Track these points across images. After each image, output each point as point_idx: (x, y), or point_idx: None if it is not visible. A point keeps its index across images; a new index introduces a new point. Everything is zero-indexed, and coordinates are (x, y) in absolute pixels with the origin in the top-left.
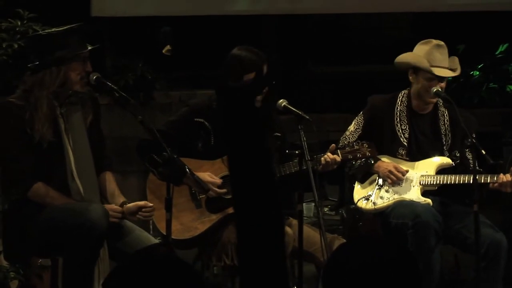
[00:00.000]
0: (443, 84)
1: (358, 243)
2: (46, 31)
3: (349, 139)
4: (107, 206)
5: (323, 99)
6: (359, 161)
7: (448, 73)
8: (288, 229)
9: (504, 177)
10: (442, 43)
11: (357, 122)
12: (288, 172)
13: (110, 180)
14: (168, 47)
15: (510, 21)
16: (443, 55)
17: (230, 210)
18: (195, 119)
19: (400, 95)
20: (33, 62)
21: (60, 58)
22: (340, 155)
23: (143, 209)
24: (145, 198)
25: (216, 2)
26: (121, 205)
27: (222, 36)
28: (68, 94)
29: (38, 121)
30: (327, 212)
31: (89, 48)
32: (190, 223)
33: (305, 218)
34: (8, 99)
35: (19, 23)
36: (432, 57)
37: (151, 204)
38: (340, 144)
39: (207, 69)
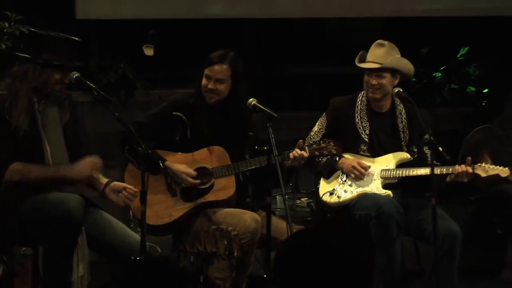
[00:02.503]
0: (380, 80)
1: (310, 232)
2: (45, 31)
3: (313, 138)
4: (87, 160)
5: (294, 98)
6: (324, 159)
7: (369, 65)
8: (257, 217)
9: (459, 168)
10: (384, 42)
11: (321, 123)
12: (257, 166)
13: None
14: (150, 47)
15: (470, 26)
16: (376, 51)
17: (203, 200)
18: (174, 113)
19: (360, 95)
20: (24, 53)
21: (48, 61)
22: (307, 151)
23: (128, 189)
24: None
25: (192, 6)
26: (107, 183)
27: (201, 38)
28: (47, 92)
29: (15, 110)
30: (299, 204)
31: (76, 64)
32: (164, 211)
33: (278, 209)
34: None
35: (6, 25)
36: (369, 54)
37: (136, 189)
38: (306, 143)
39: (185, 70)
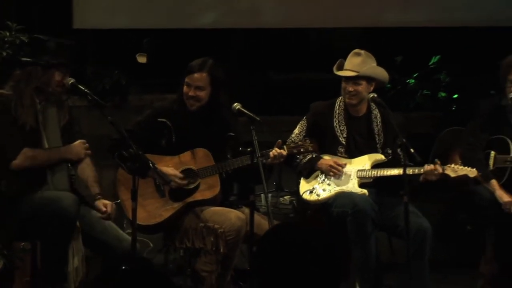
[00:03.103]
0: (356, 87)
1: (286, 227)
2: (45, 37)
3: (294, 140)
4: (78, 143)
5: (279, 103)
6: (305, 159)
7: (346, 73)
8: (241, 215)
9: (428, 167)
10: (361, 51)
11: (301, 126)
12: (240, 165)
13: (83, 168)
14: (143, 56)
15: (441, 36)
16: (353, 59)
17: (191, 199)
18: (158, 119)
19: (338, 100)
20: (26, 57)
21: (48, 62)
22: (286, 149)
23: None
24: (116, 189)
25: (184, 16)
26: (95, 196)
27: (191, 47)
28: (48, 92)
29: (21, 109)
30: (282, 202)
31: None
32: (155, 211)
33: (263, 207)
34: None
35: (7, 34)
36: (346, 63)
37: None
38: (287, 143)
39: (176, 76)
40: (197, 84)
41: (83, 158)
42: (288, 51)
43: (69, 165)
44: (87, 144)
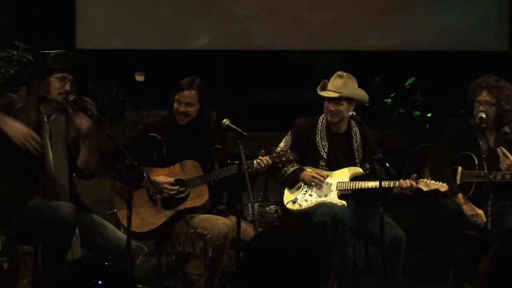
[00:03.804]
0: (338, 106)
1: (271, 233)
2: (45, 51)
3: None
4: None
5: (265, 120)
6: (289, 171)
7: (329, 94)
8: (229, 222)
9: (404, 182)
10: (344, 73)
11: (286, 140)
12: (227, 175)
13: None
14: (141, 75)
15: (416, 59)
16: (336, 81)
17: (182, 207)
18: (150, 134)
19: (321, 117)
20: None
21: (44, 71)
22: (269, 158)
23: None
24: (112, 199)
25: (178, 39)
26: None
27: (181, 67)
28: (50, 101)
29: (23, 115)
30: (268, 211)
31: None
32: (148, 219)
33: (250, 215)
34: (8, 94)
35: (15, 53)
36: (329, 84)
37: None
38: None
39: (168, 93)
40: (187, 101)
41: (21, 145)
42: (274, 72)
43: (74, 174)
44: (34, 137)
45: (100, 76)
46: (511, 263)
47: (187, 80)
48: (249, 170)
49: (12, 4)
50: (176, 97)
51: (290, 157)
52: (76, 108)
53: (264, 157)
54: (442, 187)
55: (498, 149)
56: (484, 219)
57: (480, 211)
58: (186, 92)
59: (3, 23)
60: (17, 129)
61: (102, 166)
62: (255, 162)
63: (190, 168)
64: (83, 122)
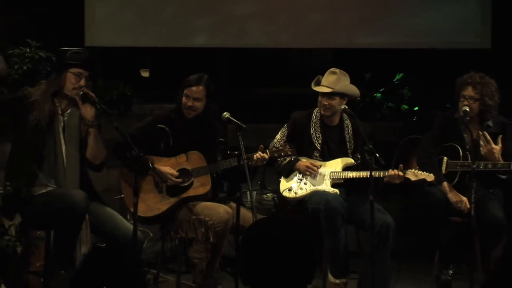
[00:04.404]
0: (331, 101)
1: (269, 221)
2: (64, 48)
3: (276, 145)
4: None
5: (262, 113)
6: (285, 162)
7: (323, 89)
8: (229, 209)
9: (393, 172)
10: (336, 70)
11: (282, 132)
12: (229, 167)
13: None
14: (146, 71)
15: (405, 56)
16: (330, 77)
17: (185, 195)
18: (158, 125)
19: (315, 111)
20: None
21: (60, 66)
22: (268, 153)
23: None
24: (120, 185)
25: (180, 37)
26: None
27: (184, 64)
28: (65, 95)
29: (38, 107)
30: (265, 199)
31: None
32: (154, 205)
33: (248, 202)
34: (26, 86)
35: (28, 50)
36: (323, 79)
37: None
38: (270, 147)
39: (172, 89)
40: (195, 96)
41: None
42: (271, 68)
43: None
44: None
45: (108, 72)
46: None
47: (195, 76)
48: (250, 163)
49: (25, 4)
50: (185, 92)
51: (289, 152)
52: (86, 102)
53: (264, 153)
54: (429, 177)
55: (480, 133)
56: (468, 206)
57: (464, 198)
58: (194, 88)
59: (17, 22)
60: None
61: (112, 154)
62: (255, 157)
63: (194, 159)
64: (87, 111)
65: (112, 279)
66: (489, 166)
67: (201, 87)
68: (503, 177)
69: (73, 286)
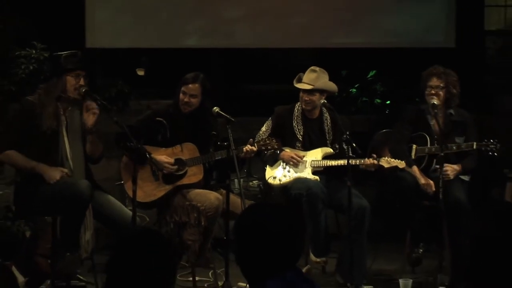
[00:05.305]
0: (312, 97)
1: (259, 207)
2: (58, 53)
3: (261, 136)
4: (60, 169)
5: (249, 107)
6: (269, 152)
7: (304, 86)
8: (219, 196)
9: (368, 160)
10: (316, 68)
11: (267, 125)
12: (219, 158)
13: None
14: (142, 70)
15: (377, 55)
16: (310, 75)
17: (179, 183)
18: (156, 118)
19: (297, 105)
20: (45, 74)
21: (59, 71)
22: (256, 146)
23: None
24: (120, 173)
25: (174, 38)
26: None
27: (179, 63)
28: (68, 98)
29: (46, 116)
30: (251, 185)
31: (79, 68)
32: (150, 191)
33: (236, 189)
34: (26, 97)
35: (33, 52)
36: (304, 77)
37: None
38: (256, 139)
39: (167, 86)
40: (191, 93)
41: (54, 180)
42: (257, 67)
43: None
44: (66, 172)
45: (108, 71)
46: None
47: (192, 75)
48: (240, 155)
49: (30, 9)
50: (182, 89)
51: (275, 146)
52: (88, 99)
53: (252, 146)
54: (401, 164)
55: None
56: (433, 189)
57: (431, 182)
58: (191, 85)
59: (23, 25)
60: (49, 172)
61: (114, 145)
62: (244, 149)
63: (189, 150)
64: (89, 118)
65: (152, 261)
66: (454, 147)
67: (197, 85)
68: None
69: (111, 267)
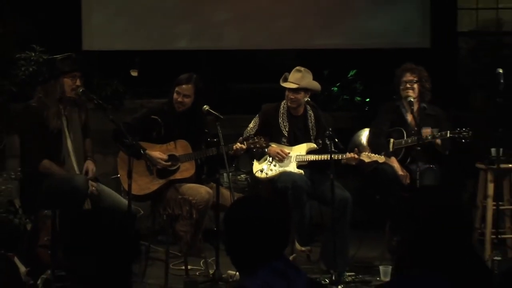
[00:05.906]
0: (297, 95)
1: (247, 200)
2: (53, 57)
3: (249, 132)
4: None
5: (237, 105)
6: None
7: (289, 85)
8: (209, 190)
9: (349, 155)
10: (301, 68)
11: (255, 122)
12: (210, 154)
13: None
14: (135, 71)
15: (357, 55)
16: (295, 75)
17: (172, 177)
18: (152, 116)
19: (282, 103)
20: (43, 76)
21: (56, 74)
22: (245, 144)
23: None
24: (117, 168)
25: (165, 41)
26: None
27: (171, 64)
28: (68, 98)
29: (51, 117)
30: (239, 179)
31: (74, 70)
32: (145, 185)
33: (225, 183)
34: (29, 103)
35: (33, 54)
36: (290, 76)
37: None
38: (244, 135)
39: (160, 86)
40: (185, 93)
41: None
42: (244, 67)
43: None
44: (93, 185)
45: (104, 72)
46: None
47: (185, 75)
48: (230, 152)
49: (31, 13)
50: (176, 89)
51: (263, 144)
52: (85, 98)
53: (242, 144)
54: (380, 158)
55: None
56: (408, 180)
57: (407, 173)
58: (184, 86)
59: (23, 29)
60: (79, 182)
61: (111, 141)
62: (234, 147)
63: (182, 146)
64: (90, 168)
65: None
66: (429, 137)
67: (190, 85)
68: (446, 152)
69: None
